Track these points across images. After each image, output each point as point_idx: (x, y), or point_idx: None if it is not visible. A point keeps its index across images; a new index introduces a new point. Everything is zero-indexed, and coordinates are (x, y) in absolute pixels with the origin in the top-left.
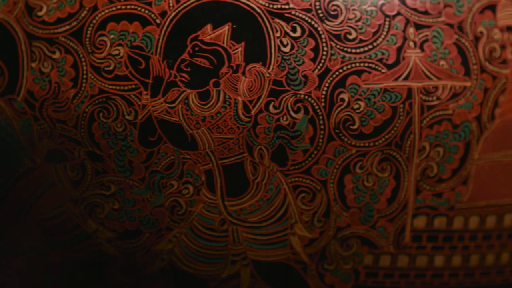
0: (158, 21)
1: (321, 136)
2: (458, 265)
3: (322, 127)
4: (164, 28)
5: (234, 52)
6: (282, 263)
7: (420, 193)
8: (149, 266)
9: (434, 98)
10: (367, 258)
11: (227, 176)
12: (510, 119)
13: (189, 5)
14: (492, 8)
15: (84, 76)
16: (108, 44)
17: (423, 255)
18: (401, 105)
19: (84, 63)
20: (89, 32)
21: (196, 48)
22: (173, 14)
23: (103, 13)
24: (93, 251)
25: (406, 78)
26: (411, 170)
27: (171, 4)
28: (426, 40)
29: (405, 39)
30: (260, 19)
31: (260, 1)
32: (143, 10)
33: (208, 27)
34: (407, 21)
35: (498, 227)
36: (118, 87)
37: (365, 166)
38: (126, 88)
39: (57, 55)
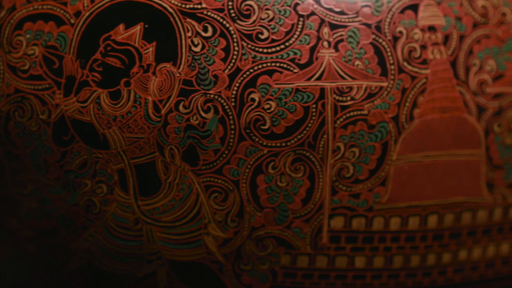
0: (72, 21)
1: (232, 136)
2: (381, 267)
3: (232, 127)
4: (78, 28)
5: (146, 51)
6: (198, 263)
7: (336, 194)
8: (68, 264)
9: (348, 98)
10: (284, 258)
11: (139, 175)
12: (430, 120)
13: (103, 5)
14: (414, 8)
15: (1, 76)
16: (24, 44)
17: (343, 256)
18: (314, 105)
19: (1, 63)
20: (6, 32)
21: (108, 48)
22: (87, 14)
23: (20, 13)
24: (16, 250)
25: (319, 78)
26: (326, 171)
27: (85, 4)
28: (341, 40)
29: (319, 39)
30: (172, 19)
31: (173, 1)
32: (58, 10)
33: (121, 27)
34: (322, 21)
35: (422, 229)
36: (32, 87)
37: (277, 166)
38: (40, 87)
39: None
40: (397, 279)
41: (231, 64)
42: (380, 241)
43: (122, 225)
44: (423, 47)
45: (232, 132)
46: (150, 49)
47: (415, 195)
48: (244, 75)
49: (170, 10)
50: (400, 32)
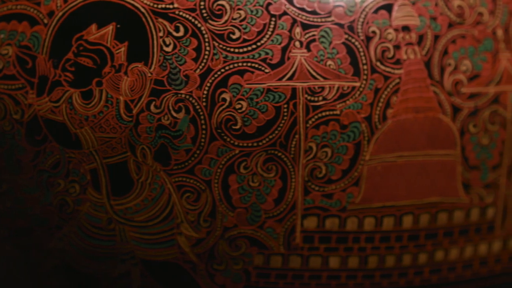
0: (45, 21)
1: (203, 136)
2: (356, 267)
3: (204, 127)
4: (51, 28)
5: (117, 51)
6: (171, 263)
7: (309, 194)
8: (43, 264)
9: (320, 98)
10: (257, 258)
11: (112, 175)
12: (403, 120)
13: (76, 5)
14: (388, 8)
15: None
16: None
17: (316, 256)
18: (285, 105)
19: None
20: None
21: (81, 48)
22: (60, 14)
23: None
24: None
25: (290, 78)
26: (298, 171)
27: (58, 4)
28: (313, 40)
29: (291, 39)
30: (144, 19)
31: (145, 1)
32: (32, 10)
33: (93, 27)
34: (294, 21)
35: (397, 229)
36: (6, 86)
37: (249, 166)
38: (13, 87)
39: None
40: (372, 280)
41: (203, 64)
42: (354, 241)
43: (96, 225)
44: (397, 47)
45: (204, 132)
46: (122, 49)
47: (389, 195)
48: (215, 75)
49: (142, 10)
50: (373, 32)
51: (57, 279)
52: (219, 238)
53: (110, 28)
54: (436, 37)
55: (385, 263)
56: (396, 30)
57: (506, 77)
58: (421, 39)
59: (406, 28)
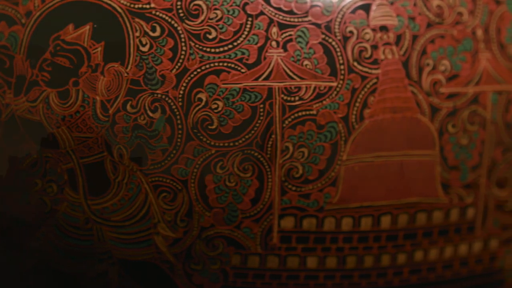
0: (23, 20)
1: (179, 135)
2: (334, 267)
3: (180, 126)
4: (29, 28)
5: (94, 51)
6: (148, 263)
7: (285, 194)
8: (23, 264)
9: (297, 98)
10: (234, 258)
11: (89, 175)
12: (381, 120)
13: (53, 4)
14: (366, 7)
15: None
16: None
17: (294, 256)
18: (261, 105)
19: None
20: None
21: (58, 48)
22: (38, 13)
23: None
24: None
25: (267, 78)
26: (275, 171)
27: (36, 4)
28: (290, 40)
29: (267, 38)
30: (120, 19)
31: (122, 1)
32: (10, 9)
33: (70, 26)
34: (271, 21)
35: (375, 229)
36: None
37: (226, 166)
38: None
39: None
40: (351, 280)
41: (179, 64)
42: (332, 241)
43: (73, 225)
44: (374, 47)
45: (180, 132)
46: (99, 49)
47: (367, 196)
48: (192, 75)
49: (119, 10)
50: (351, 32)
51: (36, 278)
52: (196, 238)
53: (87, 28)
54: (415, 37)
55: (363, 263)
56: (373, 30)
57: (485, 77)
58: (399, 39)
59: (384, 28)
